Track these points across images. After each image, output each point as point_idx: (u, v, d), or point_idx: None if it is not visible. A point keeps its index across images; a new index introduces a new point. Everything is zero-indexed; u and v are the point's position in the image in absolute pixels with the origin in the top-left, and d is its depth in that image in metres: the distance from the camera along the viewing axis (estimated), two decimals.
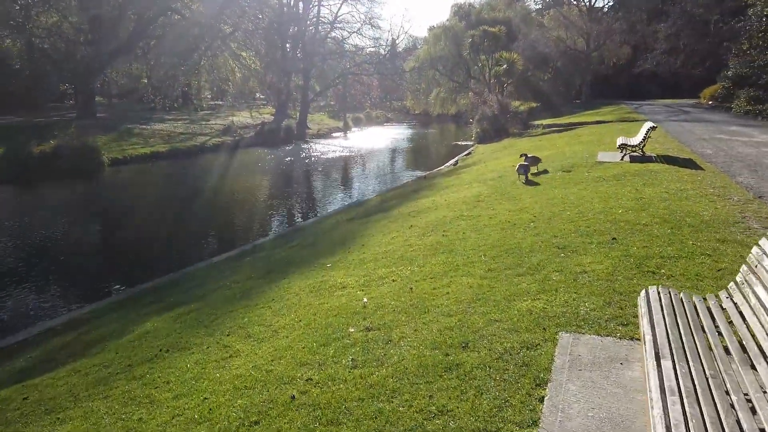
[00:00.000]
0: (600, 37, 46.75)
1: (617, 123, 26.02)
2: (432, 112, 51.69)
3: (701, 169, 11.76)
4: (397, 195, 16.58)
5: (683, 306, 3.67)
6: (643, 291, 3.99)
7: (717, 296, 3.89)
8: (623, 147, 13.60)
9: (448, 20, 49.18)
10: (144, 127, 33.62)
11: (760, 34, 24.78)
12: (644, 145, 13.71)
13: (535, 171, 13.19)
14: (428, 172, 23.05)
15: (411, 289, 5.88)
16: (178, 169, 27.20)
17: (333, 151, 34.69)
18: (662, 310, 3.59)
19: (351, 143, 39.34)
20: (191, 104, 45.54)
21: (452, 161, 26.71)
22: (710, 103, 34.46)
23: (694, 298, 3.82)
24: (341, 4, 44.25)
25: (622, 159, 13.62)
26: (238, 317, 5.97)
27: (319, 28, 44.30)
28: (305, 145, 36.53)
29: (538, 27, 48.84)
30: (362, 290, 6.17)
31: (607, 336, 4.21)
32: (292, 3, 44.49)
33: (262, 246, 12.25)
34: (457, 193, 12.46)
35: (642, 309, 3.73)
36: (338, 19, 44.68)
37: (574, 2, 51.21)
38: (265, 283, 7.70)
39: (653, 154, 14.23)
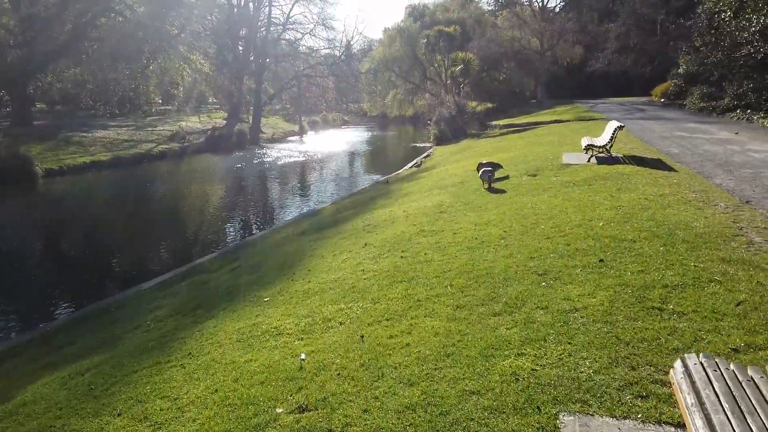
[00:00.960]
0: (553, 37, 46.56)
1: (575, 122, 25.43)
2: (389, 113, 50.60)
3: (674, 170, 10.92)
4: (354, 203, 15.29)
5: (743, 388, 2.52)
6: (679, 362, 2.85)
7: None
8: (589, 148, 12.70)
9: (402, 21, 48.24)
10: (84, 134, 31.28)
11: (712, 31, 24.56)
12: (611, 146, 12.84)
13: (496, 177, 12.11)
14: (387, 177, 21.85)
15: (362, 337, 4.62)
16: (120, 178, 25.17)
17: (288, 156, 33.11)
18: (717, 395, 2.43)
19: (307, 147, 37.82)
20: (138, 110, 43.08)
21: (411, 164, 25.62)
22: (662, 100, 34.45)
23: (751, 372, 2.68)
24: (293, 5, 42.69)
25: (588, 161, 12.71)
26: (141, 383, 4.58)
27: (271, 29, 42.56)
28: (259, 151, 34.78)
29: (492, 27, 48.36)
30: (302, 339, 4.88)
31: (625, 418, 3.05)
32: (242, 3, 42.62)
33: (201, 267, 10.78)
34: (417, 202, 11.28)
35: (684, 391, 2.58)
36: (291, 20, 43.09)
37: (527, 2, 51.00)
38: (188, 324, 6.31)
39: (620, 155, 13.39)
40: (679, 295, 4.61)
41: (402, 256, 7.11)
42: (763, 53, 20.98)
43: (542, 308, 4.69)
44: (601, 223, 7.04)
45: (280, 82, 43.84)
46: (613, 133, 12.47)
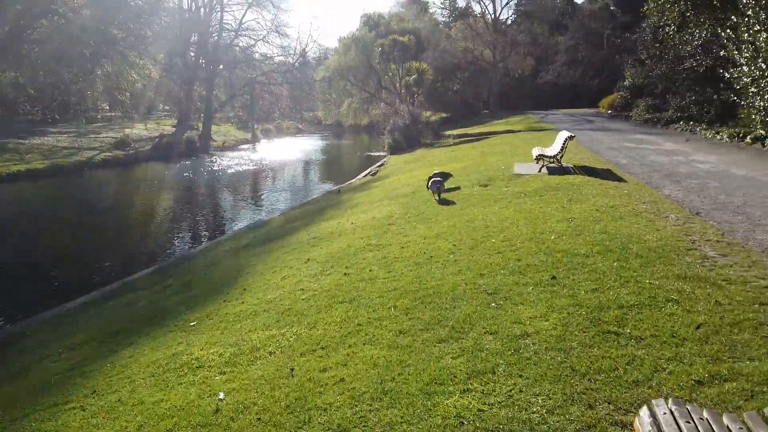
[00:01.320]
0: (505, 49, 47.26)
1: (527, 132, 25.57)
2: (344, 122, 50.11)
3: (623, 180, 10.82)
4: (303, 214, 14.69)
5: None
6: (645, 410, 2.46)
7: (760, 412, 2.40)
8: (540, 158, 12.53)
9: (357, 30, 47.91)
10: (21, 141, 29.50)
11: (657, 45, 25.18)
12: (562, 156, 12.71)
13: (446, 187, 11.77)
14: (339, 186, 21.31)
15: (292, 371, 4.08)
16: (57, 188, 23.70)
17: (239, 164, 32.09)
18: None
19: (259, 156, 36.83)
20: (81, 116, 41.15)
21: (364, 173, 25.18)
22: (610, 112, 35.25)
23: (727, 421, 2.29)
24: (246, 11, 41.60)
25: (539, 171, 12.54)
26: (32, 428, 3.90)
27: (223, 35, 41.37)
28: (208, 159, 33.60)
29: (446, 38, 48.70)
30: (224, 373, 4.29)
31: None
32: (193, 8, 41.36)
33: (132, 284, 9.95)
34: (366, 213, 10.80)
35: None
36: (243, 26, 41.98)
37: (479, 14, 51.65)
38: (102, 354, 5.60)
39: (570, 165, 13.30)
40: (635, 316, 4.27)
41: (345, 273, 6.60)
42: (704, 66, 21.55)
43: (491, 333, 4.27)
44: (552, 237, 6.71)
45: (233, 89, 42.67)
46: (563, 144, 12.35)
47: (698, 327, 4.00)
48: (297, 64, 46.49)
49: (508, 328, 4.30)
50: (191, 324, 5.92)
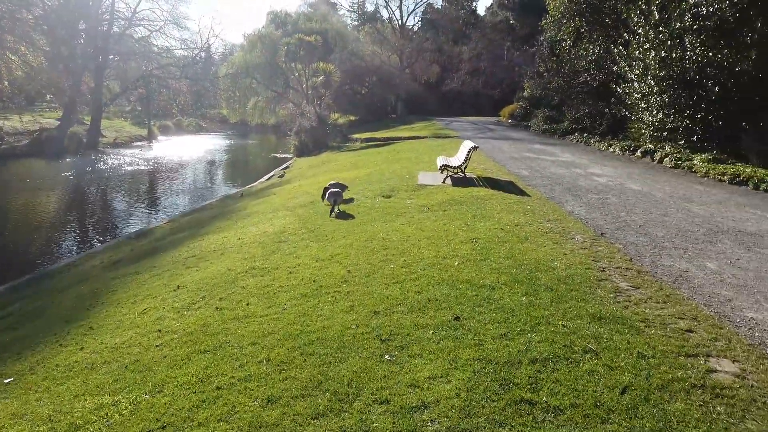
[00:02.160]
0: (412, 56, 47.34)
1: (432, 139, 25.30)
2: (250, 121, 47.92)
3: (526, 194, 10.43)
4: (191, 223, 13.19)
5: None
6: None
7: None
8: (445, 168, 11.95)
9: (264, 27, 45.93)
10: None
11: (554, 58, 25.86)
12: (466, 167, 12.21)
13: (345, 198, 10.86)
14: (240, 190, 19.82)
15: None
16: None
17: (130, 163, 29.32)
18: None
19: (155, 154, 34.01)
20: None
21: (267, 176, 23.79)
22: (510, 121, 36.09)
23: None
24: None
25: (444, 182, 11.95)
26: None
27: (115, 23, 37.87)
28: (95, 157, 30.42)
29: (355, 41, 47.92)
30: None
31: None
32: None
33: None
34: (257, 227, 9.61)
35: None
36: (137, 15, 38.57)
37: (387, 19, 51.40)
38: None
39: (474, 176, 12.86)
40: (551, 375, 3.53)
41: (218, 308, 5.45)
42: (597, 81, 22.25)
43: (382, 402, 3.36)
44: (456, 262, 5.96)
45: (127, 81, 39.24)
46: (467, 154, 11.84)
47: (623, 391, 3.32)
48: (199, 58, 43.69)
49: (402, 395, 3.41)
50: (5, 381, 4.53)
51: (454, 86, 49.64)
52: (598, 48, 21.59)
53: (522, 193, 10.63)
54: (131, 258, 9.73)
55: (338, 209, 9.51)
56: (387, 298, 5.13)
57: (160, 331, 5.06)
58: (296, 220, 9.53)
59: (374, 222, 8.57)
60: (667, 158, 15.59)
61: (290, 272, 6.36)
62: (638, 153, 17.32)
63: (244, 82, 43.98)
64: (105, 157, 30.53)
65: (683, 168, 14.59)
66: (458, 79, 49.80)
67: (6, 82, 42.51)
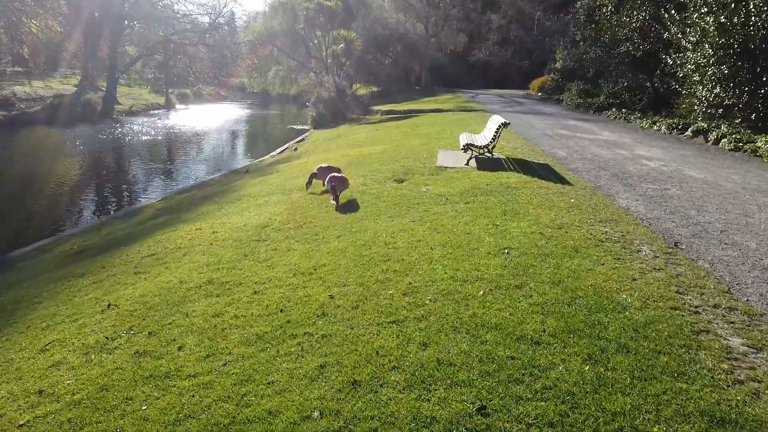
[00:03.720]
0: (438, 24, 44.57)
1: (456, 112, 23.16)
2: (271, 91, 46.07)
3: (567, 182, 8.48)
4: (180, 204, 11.58)
5: None
6: None
7: None
8: (469, 147, 10.02)
9: None
10: None
11: (592, 26, 23.25)
12: (494, 147, 10.26)
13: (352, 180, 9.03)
14: (246, 165, 18.14)
15: None
16: None
17: (144, 132, 27.82)
18: None
19: (171, 123, 32.42)
20: None
21: (280, 150, 22.04)
22: (540, 94, 33.58)
23: None
24: None
25: (467, 163, 10.05)
26: None
27: None
28: (108, 125, 28.95)
29: (378, 9, 45.30)
30: None
31: None
32: None
33: None
34: (242, 215, 7.89)
35: None
36: None
37: None
38: None
39: (503, 156, 10.92)
40: None
41: (138, 352, 3.77)
42: (641, 51, 19.75)
43: None
44: (481, 291, 4.16)
45: (144, 47, 37.50)
46: (496, 131, 9.88)
47: None
48: (217, 23, 41.66)
49: None
50: None
51: (481, 57, 46.83)
52: (645, 13, 19.03)
53: (561, 180, 8.68)
54: (96, 248, 8.15)
55: (337, 199, 7.68)
56: (377, 353, 3.37)
57: (41, 392, 3.40)
58: (287, 209, 7.77)
59: (379, 216, 6.76)
60: (725, 139, 13.32)
61: (255, 292, 4.63)
62: (689, 132, 15.02)
63: (265, 50, 42.02)
64: (117, 126, 29.09)
65: (745, 151, 12.35)
66: (486, 49, 46.92)
67: (26, 47, 41.42)
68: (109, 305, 4.79)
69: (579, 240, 5.46)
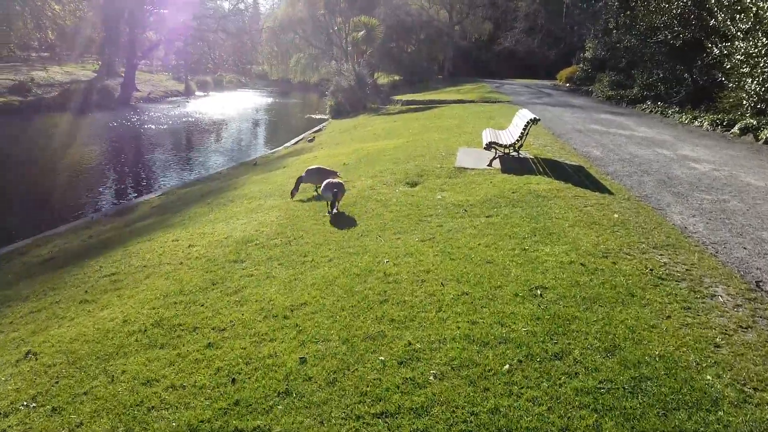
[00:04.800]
0: (462, 11, 42.71)
1: (479, 104, 21.73)
2: (292, 79, 45.02)
3: (606, 190, 7.18)
4: (178, 201, 10.57)
5: None
6: None
7: None
8: (492, 146, 8.74)
9: None
10: None
11: (627, 13, 21.48)
12: (521, 145, 8.97)
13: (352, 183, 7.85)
14: (255, 158, 17.11)
15: None
16: None
17: (160, 120, 26.94)
18: None
19: (189, 110, 31.51)
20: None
21: (295, 140, 20.96)
22: (568, 85, 31.83)
23: None
24: None
25: (490, 164, 8.78)
26: None
27: None
28: (125, 112, 28.09)
29: None
30: None
31: None
32: None
33: None
34: (229, 223, 6.79)
35: None
36: None
37: None
38: None
39: (530, 155, 9.63)
40: None
41: None
42: (682, 40, 18.03)
43: None
44: (506, 365, 2.97)
45: (163, 33, 36.58)
46: (524, 129, 8.57)
47: None
48: (237, 11, 40.53)
49: None
50: None
51: (507, 45, 44.88)
52: None
53: (599, 187, 7.38)
54: (67, 256, 7.14)
55: (337, 208, 6.52)
56: None
57: None
58: (279, 218, 6.62)
59: (383, 232, 5.59)
60: None
61: (209, 344, 3.50)
62: (735, 129, 13.44)
63: (286, 38, 40.89)
64: (133, 113, 28.30)
65: None
66: (512, 37, 44.94)
67: (49, 31, 40.94)
68: (28, 353, 3.72)
69: (632, 275, 4.21)
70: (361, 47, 33.48)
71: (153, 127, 24.90)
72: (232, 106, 35.54)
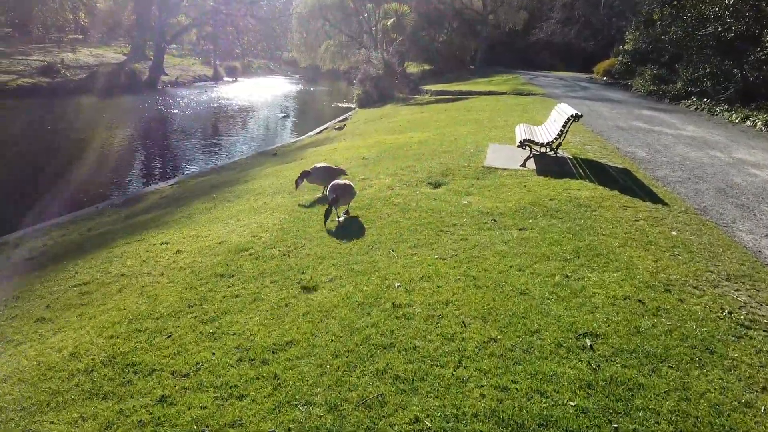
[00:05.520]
0: (497, 0, 41.09)
1: (511, 96, 20.56)
2: (321, 66, 44.17)
3: (659, 200, 6.17)
4: (187, 192, 9.91)
5: None
6: None
7: None
8: (527, 144, 7.77)
9: None
10: None
11: (673, 3, 19.94)
12: (559, 145, 7.98)
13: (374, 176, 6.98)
14: (275, 148, 16.39)
15: None
16: None
17: (186, 105, 26.47)
18: None
19: (216, 96, 31.02)
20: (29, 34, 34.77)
21: (316, 130, 20.20)
22: (605, 78, 30.19)
23: None
24: None
25: (524, 164, 7.81)
26: None
27: None
28: (151, 96, 27.73)
29: None
30: None
31: None
32: None
33: None
34: (228, 224, 6.03)
35: None
36: None
37: None
38: None
39: (568, 154, 8.63)
40: None
41: None
42: (734, 32, 16.54)
43: None
44: None
45: (192, 17, 36.14)
46: (563, 126, 7.56)
47: None
48: None
49: None
50: None
51: (542, 36, 43.11)
52: None
53: (650, 194, 6.37)
54: (56, 252, 6.50)
55: (347, 212, 5.67)
56: None
57: None
58: (282, 221, 5.82)
59: (397, 245, 4.74)
60: None
61: (162, 398, 2.72)
62: None
63: (315, 24, 40.05)
64: (159, 97, 27.90)
65: None
66: (547, 28, 43.14)
67: (82, 13, 41.03)
68: None
69: (705, 321, 3.28)
70: (391, 35, 32.51)
71: (177, 112, 24.43)
72: (259, 93, 34.97)
